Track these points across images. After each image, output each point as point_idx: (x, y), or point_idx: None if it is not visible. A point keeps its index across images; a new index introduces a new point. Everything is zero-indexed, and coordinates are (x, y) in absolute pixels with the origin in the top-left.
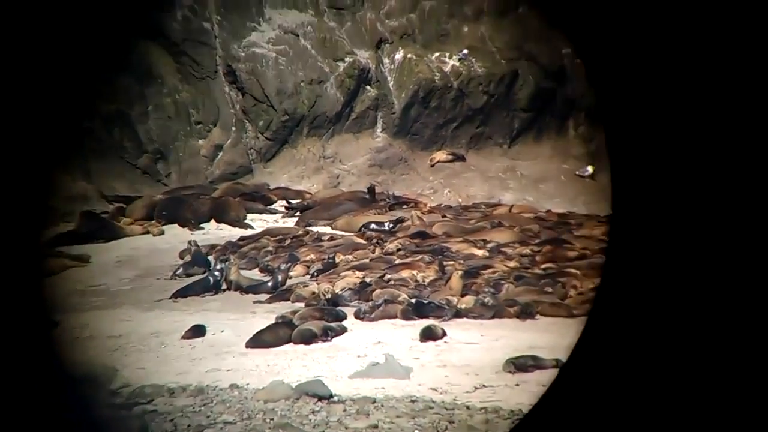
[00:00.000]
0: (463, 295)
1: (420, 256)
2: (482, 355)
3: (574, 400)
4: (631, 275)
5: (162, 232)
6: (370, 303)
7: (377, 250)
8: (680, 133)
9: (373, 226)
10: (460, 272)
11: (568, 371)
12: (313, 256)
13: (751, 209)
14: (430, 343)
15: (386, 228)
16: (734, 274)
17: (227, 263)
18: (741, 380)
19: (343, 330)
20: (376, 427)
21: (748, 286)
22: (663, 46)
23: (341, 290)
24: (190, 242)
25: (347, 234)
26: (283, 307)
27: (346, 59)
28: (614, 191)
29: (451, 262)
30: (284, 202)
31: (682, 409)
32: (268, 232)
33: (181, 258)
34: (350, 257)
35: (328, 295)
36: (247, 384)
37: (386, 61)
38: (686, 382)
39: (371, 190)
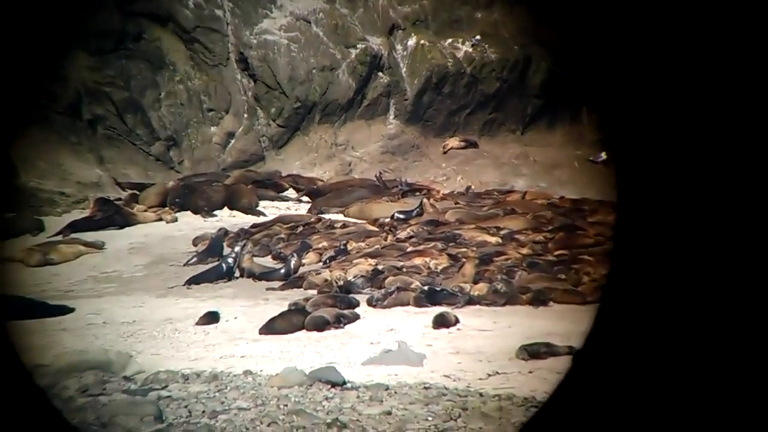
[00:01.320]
0: (476, 282)
1: (432, 244)
2: (495, 342)
3: (589, 388)
4: (639, 262)
5: (175, 219)
6: (383, 290)
7: (390, 238)
8: (683, 123)
9: (398, 216)
10: (476, 260)
11: (582, 359)
12: (325, 244)
13: (756, 199)
14: (443, 330)
15: (413, 214)
16: (742, 264)
17: (243, 247)
18: (750, 370)
19: (356, 317)
20: (389, 413)
21: (756, 279)
22: (663, 42)
23: (354, 277)
24: (220, 230)
25: (360, 221)
26: (296, 294)
27: (359, 46)
28: (619, 178)
29: (464, 249)
30: (294, 185)
31: (694, 395)
32: (280, 220)
33: (195, 245)
34: (363, 244)
35: (341, 283)
36: (261, 370)
37: (399, 47)
38: (698, 368)
39: (378, 177)
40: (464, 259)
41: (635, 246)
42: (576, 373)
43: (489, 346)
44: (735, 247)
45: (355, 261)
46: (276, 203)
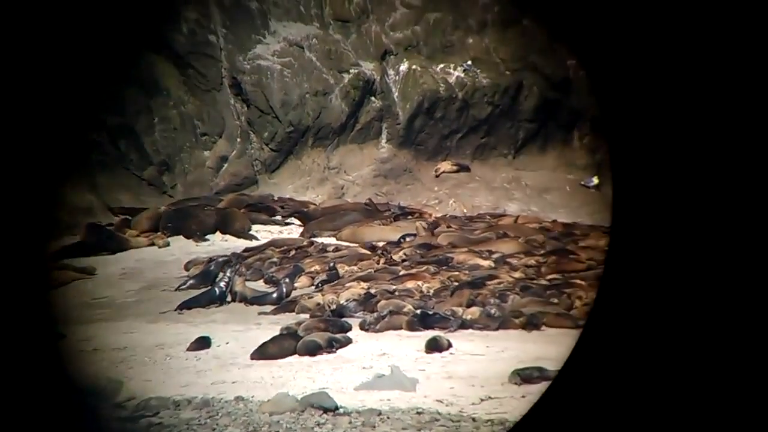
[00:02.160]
0: (468, 306)
1: (425, 267)
2: (488, 367)
3: (564, 410)
4: (629, 286)
5: (167, 244)
6: (375, 314)
7: (382, 261)
8: (682, 144)
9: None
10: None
11: (560, 382)
12: (317, 267)
13: (753, 219)
14: (436, 355)
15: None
16: (735, 284)
17: (236, 272)
18: (738, 394)
19: (348, 341)
20: None
21: (749, 299)
22: (666, 58)
23: (346, 301)
24: (221, 258)
25: (352, 245)
26: (288, 319)
27: (351, 71)
28: (615, 203)
29: (456, 273)
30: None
31: (679, 418)
32: (272, 243)
33: (187, 270)
34: (355, 268)
35: (333, 306)
36: (253, 396)
37: (391, 72)
38: (683, 390)
39: (369, 203)
40: (456, 283)
41: (624, 270)
42: (553, 393)
43: (482, 370)
44: (723, 273)
45: (347, 284)
46: (268, 227)
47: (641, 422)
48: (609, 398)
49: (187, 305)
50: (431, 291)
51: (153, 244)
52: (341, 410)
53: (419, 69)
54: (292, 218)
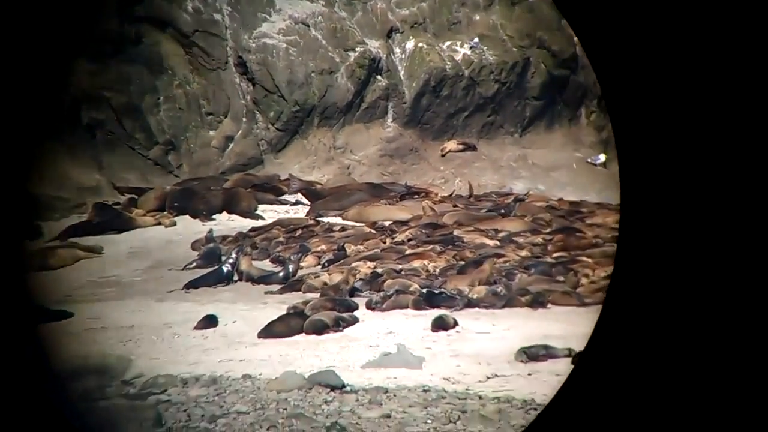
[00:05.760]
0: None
1: (431, 246)
2: (494, 345)
3: (591, 391)
4: (643, 264)
5: (174, 224)
6: (382, 293)
7: (388, 240)
8: (688, 122)
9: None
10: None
11: (584, 362)
12: (324, 247)
13: (759, 199)
14: (442, 333)
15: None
16: (746, 265)
17: (242, 251)
18: (753, 376)
19: (355, 320)
20: (388, 416)
21: (756, 280)
22: (670, 36)
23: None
24: (209, 231)
25: (358, 224)
26: (295, 298)
27: (357, 49)
28: (622, 180)
29: (458, 251)
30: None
31: (696, 399)
32: (278, 223)
33: (193, 249)
34: (361, 247)
35: (348, 287)
36: (260, 374)
37: (397, 50)
38: (700, 371)
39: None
40: (462, 261)
41: (638, 248)
42: (577, 375)
43: (488, 348)
44: (735, 249)
45: (353, 264)
46: (274, 207)
47: (660, 405)
48: (628, 381)
49: (193, 284)
50: (437, 270)
51: (159, 224)
52: (348, 388)
53: (425, 47)
54: (299, 195)
